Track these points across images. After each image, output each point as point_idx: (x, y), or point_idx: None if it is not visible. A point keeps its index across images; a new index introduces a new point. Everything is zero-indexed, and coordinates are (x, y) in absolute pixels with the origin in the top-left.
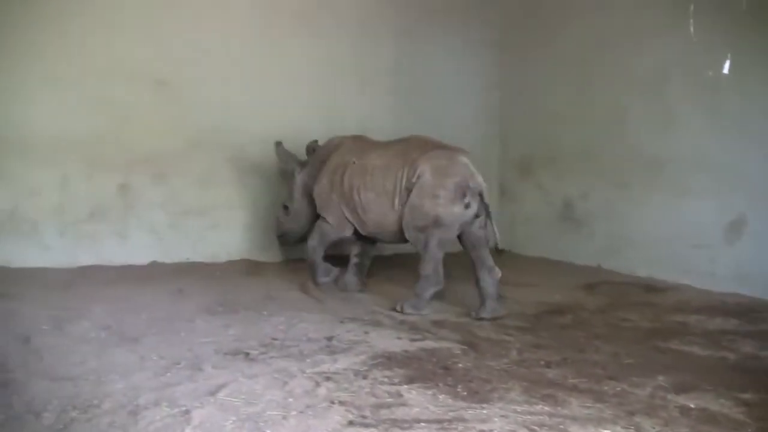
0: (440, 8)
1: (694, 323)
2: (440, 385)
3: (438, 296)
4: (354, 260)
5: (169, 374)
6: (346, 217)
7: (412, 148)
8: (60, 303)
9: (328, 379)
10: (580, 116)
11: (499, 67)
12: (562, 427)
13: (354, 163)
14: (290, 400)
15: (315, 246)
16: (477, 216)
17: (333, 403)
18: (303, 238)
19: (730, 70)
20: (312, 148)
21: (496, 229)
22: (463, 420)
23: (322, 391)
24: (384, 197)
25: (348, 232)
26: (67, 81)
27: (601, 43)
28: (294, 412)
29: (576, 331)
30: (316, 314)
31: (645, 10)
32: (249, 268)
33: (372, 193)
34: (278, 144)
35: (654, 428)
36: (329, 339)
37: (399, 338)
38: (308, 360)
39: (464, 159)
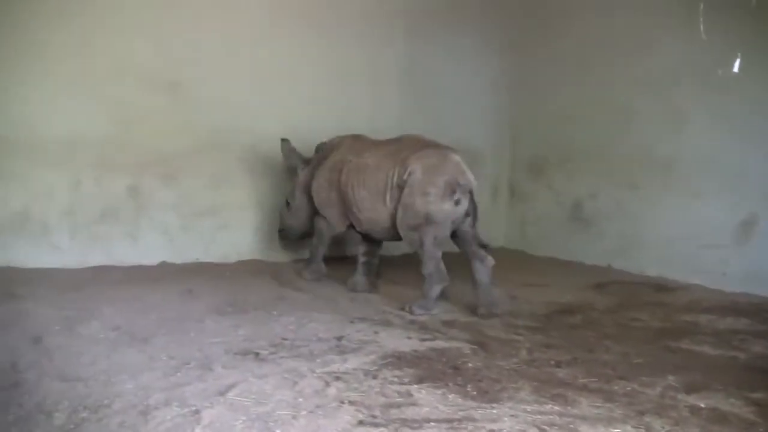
0: (450, 8)
1: (704, 323)
2: (450, 384)
3: (447, 296)
4: (362, 260)
5: (179, 374)
6: (344, 214)
7: (405, 146)
8: (71, 303)
9: (337, 378)
10: (590, 117)
11: (510, 68)
12: (572, 426)
13: (351, 161)
14: (300, 399)
15: (316, 244)
16: (468, 214)
17: (343, 402)
18: (303, 235)
19: (740, 69)
20: (319, 148)
21: (478, 229)
22: (472, 420)
23: (331, 390)
24: (376, 195)
25: (342, 228)
26: (79, 83)
27: (611, 44)
28: (304, 412)
29: (586, 330)
30: (326, 314)
31: (655, 10)
32: (259, 268)
33: (365, 191)
34: (284, 141)
35: (664, 428)
36: (339, 339)
37: (409, 338)
38: (318, 360)
39: (456, 157)
